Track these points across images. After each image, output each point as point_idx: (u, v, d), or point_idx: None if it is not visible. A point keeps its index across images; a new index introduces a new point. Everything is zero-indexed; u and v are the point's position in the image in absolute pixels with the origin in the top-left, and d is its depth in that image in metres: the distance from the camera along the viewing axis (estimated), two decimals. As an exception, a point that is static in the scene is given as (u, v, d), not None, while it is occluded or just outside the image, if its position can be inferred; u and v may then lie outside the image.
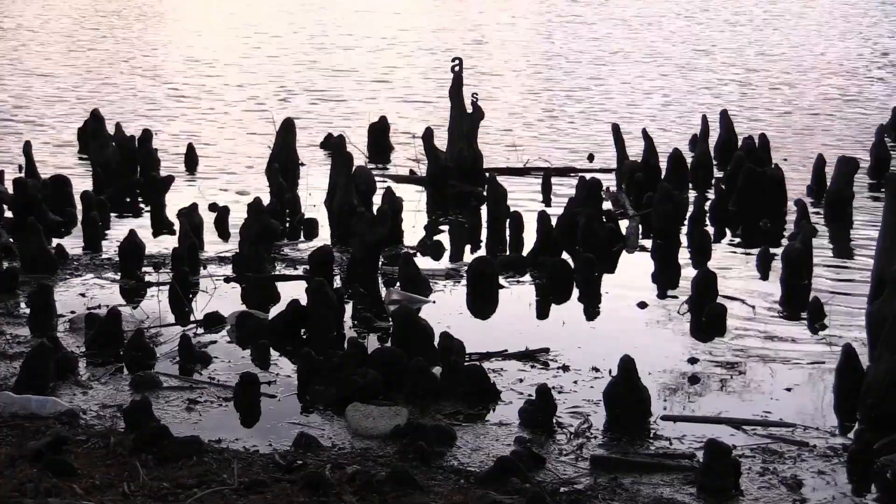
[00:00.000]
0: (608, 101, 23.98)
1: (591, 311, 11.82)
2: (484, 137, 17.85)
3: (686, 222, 14.11)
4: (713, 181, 16.61)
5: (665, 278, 12.78)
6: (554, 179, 16.53)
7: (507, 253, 13.47)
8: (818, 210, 15.15)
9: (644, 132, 16.90)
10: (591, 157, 18.50)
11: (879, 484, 7.94)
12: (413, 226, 14.44)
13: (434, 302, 11.71)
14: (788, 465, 8.14)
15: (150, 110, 22.48)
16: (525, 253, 13.27)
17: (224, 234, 14.07)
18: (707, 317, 11.13)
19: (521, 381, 9.63)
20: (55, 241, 13.28)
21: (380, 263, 12.67)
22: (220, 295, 11.86)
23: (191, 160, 17.87)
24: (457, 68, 16.94)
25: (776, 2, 44.34)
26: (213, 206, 14.88)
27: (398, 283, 12.06)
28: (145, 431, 8.03)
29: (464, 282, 12.24)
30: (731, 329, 10.98)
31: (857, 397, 9.01)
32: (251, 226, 12.74)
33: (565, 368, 9.90)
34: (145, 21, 39.12)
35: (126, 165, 16.81)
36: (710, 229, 14.16)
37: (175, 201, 15.06)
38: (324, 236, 14.14)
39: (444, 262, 13.22)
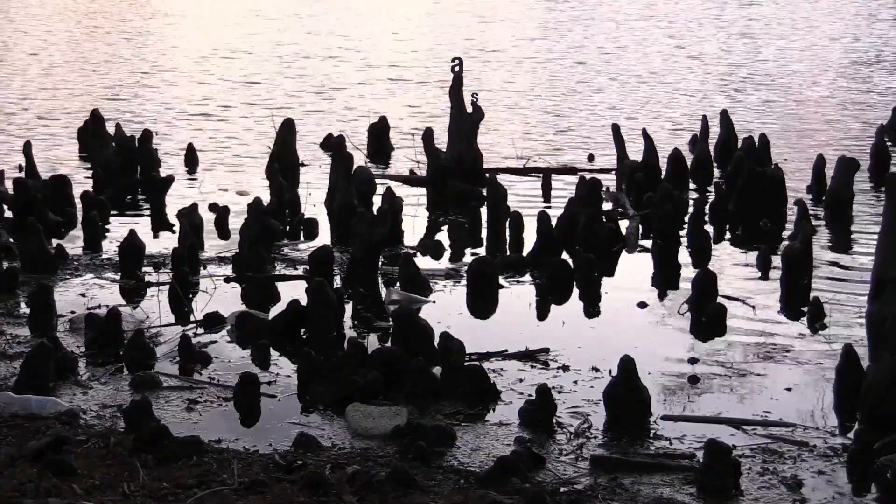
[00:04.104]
0: (608, 101, 23.98)
1: (591, 311, 11.82)
2: (484, 137, 17.84)
3: (686, 222, 14.11)
4: (713, 181, 16.61)
5: (665, 278, 12.78)
6: (554, 179, 16.54)
7: (507, 253, 13.46)
8: (818, 210, 15.15)
9: (644, 132, 16.90)
10: (591, 157, 18.51)
11: (879, 484, 7.93)
12: (413, 226, 14.44)
13: (434, 302, 11.71)
14: (788, 465, 8.14)
15: (150, 110, 22.49)
16: (525, 253, 13.27)
17: (224, 234, 14.07)
18: (707, 317, 11.12)
19: (521, 381, 9.62)
20: (55, 241, 13.28)
21: (380, 263, 12.67)
22: (220, 295, 11.86)
23: (191, 160, 17.88)
24: (457, 68, 16.93)
25: (778, 3, 44.33)
26: (213, 206, 14.88)
27: (398, 283, 12.06)
28: (145, 431, 8.03)
29: (464, 282, 12.24)
30: (731, 329, 10.98)
31: (857, 397, 9.00)
32: (251, 226, 12.74)
33: (565, 368, 9.90)
34: (146, 21, 39.12)
35: (126, 165, 16.81)
36: (710, 229, 14.15)
37: (175, 201, 15.06)
38: (324, 236, 14.14)
39: (444, 262, 13.22)
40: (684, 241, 13.80)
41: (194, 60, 29.68)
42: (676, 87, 25.66)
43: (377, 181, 15.60)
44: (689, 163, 16.79)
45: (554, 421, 8.74)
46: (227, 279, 12.31)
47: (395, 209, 13.57)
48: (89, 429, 8.49)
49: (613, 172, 17.08)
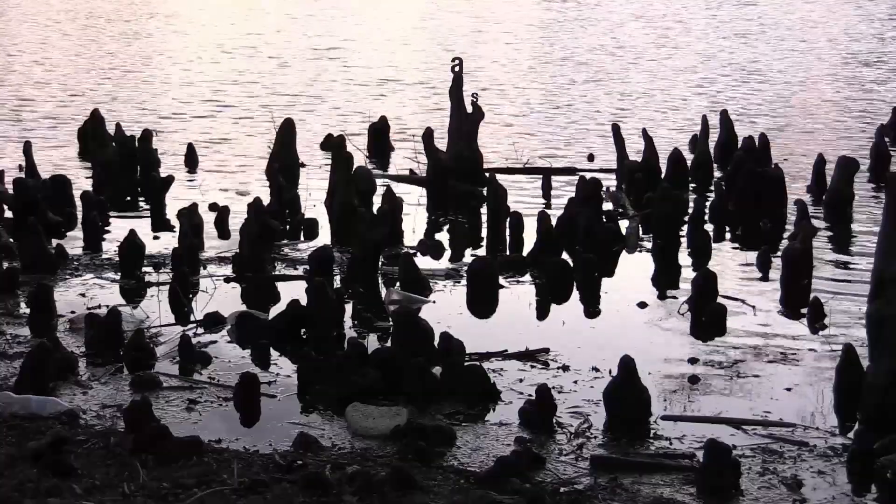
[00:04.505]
0: (608, 100, 23.98)
1: (591, 311, 11.82)
2: (484, 137, 17.83)
3: (686, 222, 14.11)
4: (713, 181, 16.61)
5: (665, 278, 12.77)
6: (554, 179, 16.55)
7: (507, 253, 13.46)
8: (818, 210, 15.15)
9: (644, 132, 16.91)
10: (591, 157, 18.51)
11: (879, 484, 7.93)
12: (413, 226, 14.44)
13: (434, 302, 11.71)
14: (788, 465, 8.14)
15: (151, 110, 22.50)
16: (525, 253, 13.28)
17: (224, 234, 14.07)
18: (707, 317, 11.12)
19: (521, 381, 9.62)
20: (55, 241, 13.28)
21: (380, 263, 12.67)
22: (220, 295, 11.86)
23: (191, 160, 17.88)
24: (457, 68, 16.94)
25: (779, 3, 44.34)
26: (213, 206, 14.88)
27: (398, 283, 12.06)
28: (145, 431, 8.02)
29: (464, 282, 12.24)
30: (731, 329, 10.98)
31: (857, 397, 9.01)
32: (251, 226, 12.74)
33: (565, 368, 9.90)
34: (147, 21, 39.13)
35: (126, 165, 16.81)
36: (710, 229, 14.15)
37: (175, 201, 15.05)
38: (324, 236, 14.14)
39: (444, 262, 13.22)
40: (684, 241, 13.80)
41: (193, 60, 29.68)
42: (676, 87, 25.65)
43: (377, 181, 15.60)
44: (689, 163, 16.79)
45: (554, 421, 8.74)
46: (227, 279, 12.32)
47: (395, 209, 13.57)
48: (89, 429, 8.49)
49: (613, 172, 17.09)
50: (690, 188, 16.43)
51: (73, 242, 13.60)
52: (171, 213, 14.75)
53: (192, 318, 11.03)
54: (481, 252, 13.61)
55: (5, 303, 11.47)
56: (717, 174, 17.06)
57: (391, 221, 13.20)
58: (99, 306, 11.24)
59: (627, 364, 8.87)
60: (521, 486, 7.54)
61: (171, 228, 14.34)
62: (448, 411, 8.99)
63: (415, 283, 11.92)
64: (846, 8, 42.74)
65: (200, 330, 10.79)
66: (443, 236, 14.36)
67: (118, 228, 14.06)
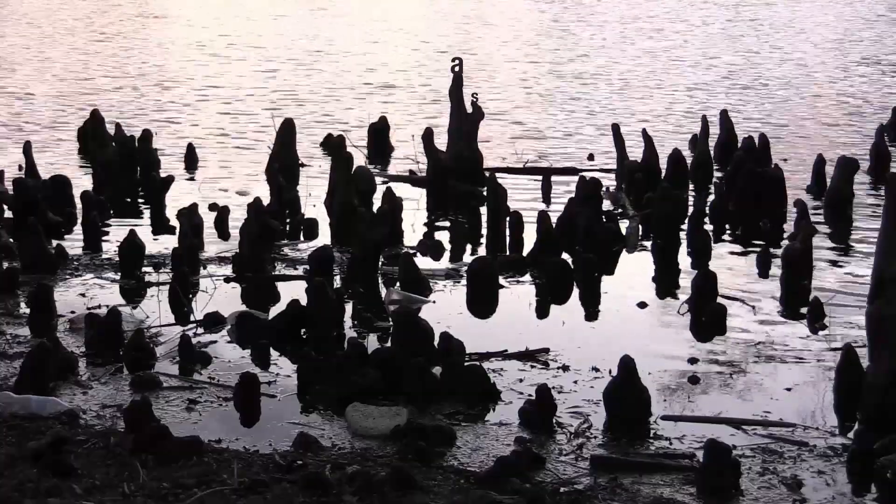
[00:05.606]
0: (608, 100, 23.98)
1: (591, 311, 11.81)
2: (484, 137, 17.83)
3: (686, 222, 14.10)
4: (713, 181, 16.61)
5: (665, 278, 12.78)
6: (554, 179, 16.54)
7: (507, 253, 13.46)
8: (818, 210, 15.15)
9: (644, 132, 16.91)
10: (591, 157, 18.51)
11: (879, 484, 7.93)
12: (413, 226, 14.44)
13: (434, 302, 11.71)
14: (788, 465, 8.14)
15: (150, 110, 22.49)
16: (525, 253, 13.28)
17: (224, 234, 14.07)
18: (707, 317, 11.12)
19: (521, 381, 9.62)
20: (55, 241, 13.28)
21: (380, 263, 12.67)
22: (220, 295, 11.86)
23: (191, 160, 17.88)
24: (457, 68, 16.94)
25: (776, 4, 44.36)
26: (213, 206, 14.88)
27: (398, 283, 12.06)
28: (145, 431, 8.02)
29: (464, 282, 12.24)
30: (731, 329, 10.98)
31: (857, 397, 9.01)
32: (251, 226, 12.74)
33: (565, 368, 9.90)
34: (146, 21, 39.13)
35: (126, 165, 16.81)
36: (710, 229, 14.15)
37: (175, 201, 15.05)
38: (324, 236, 14.14)
39: (444, 262, 13.22)
40: (684, 241, 13.80)
41: (192, 60, 29.67)
42: (676, 88, 25.65)
43: (377, 181, 15.60)
44: (689, 163, 16.79)
45: (554, 421, 8.74)
46: (227, 279, 12.32)
47: (395, 209, 13.57)
48: (89, 429, 8.49)
49: (613, 172, 17.09)
50: (690, 188, 16.42)
51: (73, 242, 13.60)
52: (171, 213, 14.73)
53: (192, 318, 11.03)
54: (481, 252, 13.60)
55: (5, 303, 11.47)
56: (717, 174, 17.06)
57: (391, 221, 13.20)
58: (99, 306, 11.24)
59: (627, 364, 8.88)
60: (521, 486, 7.54)
61: (171, 228, 14.32)
62: (448, 411, 8.99)
63: (415, 283, 11.92)
64: (846, 8, 42.74)
65: (200, 330, 10.79)
66: (443, 236, 14.36)
67: (118, 228, 14.06)
